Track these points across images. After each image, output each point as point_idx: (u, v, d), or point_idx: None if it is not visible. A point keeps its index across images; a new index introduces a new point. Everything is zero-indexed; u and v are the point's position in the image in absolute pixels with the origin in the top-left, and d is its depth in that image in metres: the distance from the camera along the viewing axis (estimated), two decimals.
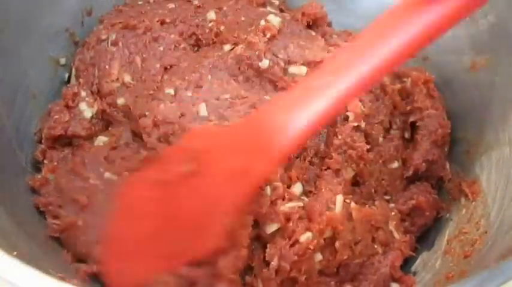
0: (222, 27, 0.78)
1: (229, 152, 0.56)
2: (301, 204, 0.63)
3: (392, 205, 0.71)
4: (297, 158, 0.68)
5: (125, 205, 0.60)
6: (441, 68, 0.79)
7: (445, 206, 0.73)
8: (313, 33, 0.79)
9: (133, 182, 0.61)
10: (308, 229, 0.61)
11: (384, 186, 0.71)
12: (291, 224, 0.62)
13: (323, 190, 0.65)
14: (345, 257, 0.62)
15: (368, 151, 0.70)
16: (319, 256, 0.61)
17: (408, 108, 0.75)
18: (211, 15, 0.81)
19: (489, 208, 0.65)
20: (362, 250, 0.64)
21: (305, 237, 0.60)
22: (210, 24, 0.79)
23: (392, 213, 0.68)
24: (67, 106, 0.73)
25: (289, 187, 0.65)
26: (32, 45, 0.74)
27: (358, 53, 0.52)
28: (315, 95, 0.52)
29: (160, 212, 0.57)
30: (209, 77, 0.71)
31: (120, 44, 0.77)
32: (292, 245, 0.60)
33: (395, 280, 0.65)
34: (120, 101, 0.72)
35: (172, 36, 0.77)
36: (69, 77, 0.80)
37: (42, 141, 0.72)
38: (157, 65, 0.75)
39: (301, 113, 0.52)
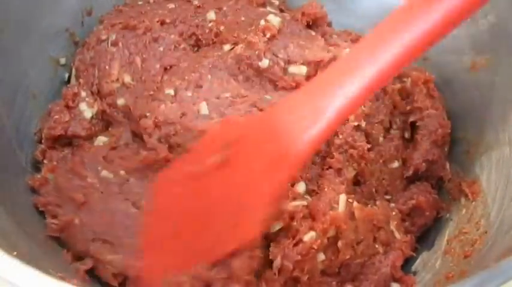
0: (221, 27, 0.78)
1: (261, 141, 0.55)
2: (305, 203, 0.63)
3: (392, 204, 0.71)
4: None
5: (158, 200, 0.60)
6: (441, 68, 0.79)
7: (445, 206, 0.73)
8: (313, 33, 0.79)
9: (166, 178, 0.61)
10: (312, 229, 0.61)
11: (384, 186, 0.72)
12: (295, 223, 0.61)
13: (326, 189, 0.65)
14: (347, 256, 0.62)
15: (368, 150, 0.70)
16: (321, 256, 0.61)
17: (408, 108, 0.75)
18: (211, 15, 0.81)
19: (489, 208, 0.65)
20: (364, 250, 0.64)
21: (309, 236, 0.60)
22: (210, 25, 0.79)
23: (393, 213, 0.68)
24: (67, 106, 0.73)
25: (292, 185, 0.65)
26: (32, 45, 0.74)
27: (369, 51, 0.52)
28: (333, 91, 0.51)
29: (193, 206, 0.57)
30: (209, 76, 0.71)
31: (120, 44, 0.77)
32: (295, 245, 0.60)
33: (395, 280, 0.65)
34: (120, 101, 0.72)
35: (172, 36, 0.77)
36: (69, 77, 0.80)
37: (42, 141, 0.72)
38: (157, 66, 0.75)
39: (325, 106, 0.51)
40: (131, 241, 0.64)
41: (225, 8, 0.82)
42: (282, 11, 0.85)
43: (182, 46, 0.77)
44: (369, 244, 0.64)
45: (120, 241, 0.64)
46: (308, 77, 0.73)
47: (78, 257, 0.66)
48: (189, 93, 0.70)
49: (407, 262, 0.69)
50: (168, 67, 0.75)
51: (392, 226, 0.67)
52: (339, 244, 0.61)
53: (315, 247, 0.60)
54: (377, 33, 0.52)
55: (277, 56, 0.73)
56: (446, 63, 0.79)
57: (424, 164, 0.72)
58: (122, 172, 0.67)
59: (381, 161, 0.72)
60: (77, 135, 0.72)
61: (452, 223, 0.71)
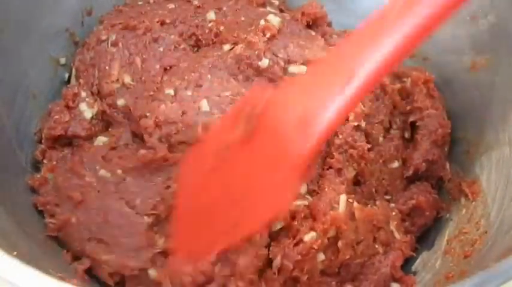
0: (221, 28, 0.78)
1: (285, 108, 0.53)
2: (306, 203, 0.63)
3: (392, 204, 0.71)
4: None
5: (187, 178, 0.60)
6: (441, 68, 0.79)
7: (445, 206, 0.73)
8: (313, 33, 0.79)
9: (193, 155, 0.60)
10: (312, 229, 0.61)
11: (384, 186, 0.72)
12: (295, 223, 0.62)
13: (326, 189, 0.65)
14: (347, 257, 0.62)
15: (369, 150, 0.70)
16: (321, 256, 0.61)
17: (408, 108, 0.75)
18: (211, 15, 0.81)
19: (489, 208, 0.65)
20: (363, 250, 0.64)
21: (309, 237, 0.61)
22: (209, 25, 0.79)
23: (393, 213, 0.68)
24: (67, 106, 0.73)
25: None
26: (32, 45, 0.74)
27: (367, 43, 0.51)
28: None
29: (222, 181, 0.56)
30: (209, 76, 0.71)
31: (120, 44, 0.76)
32: (296, 245, 0.61)
33: (395, 280, 0.65)
34: (120, 102, 0.72)
35: (172, 36, 0.77)
36: (69, 77, 0.80)
37: (42, 141, 0.72)
38: (157, 66, 0.74)
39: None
40: (126, 240, 0.64)
41: (225, 8, 0.82)
42: (281, 11, 0.85)
43: (182, 46, 0.77)
44: (369, 244, 0.64)
45: (115, 240, 0.64)
46: None
47: (77, 257, 0.66)
48: (189, 93, 0.70)
49: (407, 262, 0.69)
50: (168, 67, 0.75)
51: (392, 226, 0.67)
52: (339, 244, 0.62)
53: (315, 247, 0.60)
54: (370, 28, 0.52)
55: (277, 56, 0.72)
56: (446, 63, 0.79)
57: (424, 164, 0.72)
58: (119, 171, 0.67)
59: (380, 161, 0.72)
60: (77, 136, 0.72)
61: (452, 223, 0.71)
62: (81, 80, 0.77)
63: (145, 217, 0.65)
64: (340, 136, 0.68)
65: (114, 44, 0.77)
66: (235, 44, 0.74)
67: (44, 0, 0.75)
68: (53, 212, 0.67)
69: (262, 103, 0.55)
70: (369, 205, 0.67)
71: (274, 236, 0.62)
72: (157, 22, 0.78)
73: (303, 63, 0.73)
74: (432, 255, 0.69)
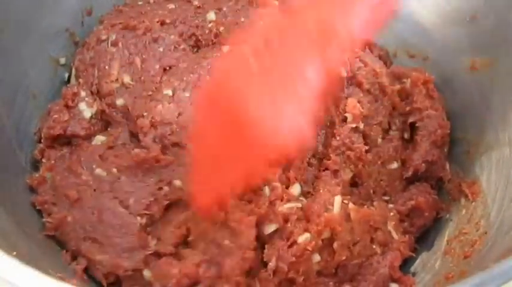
0: (221, 28, 0.78)
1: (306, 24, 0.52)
2: (299, 205, 0.63)
3: (391, 205, 0.70)
4: (296, 159, 0.68)
5: (201, 125, 0.57)
6: (441, 68, 0.79)
7: (444, 206, 0.73)
8: None
9: (204, 99, 0.57)
10: (306, 230, 0.61)
11: (382, 187, 0.72)
12: (289, 225, 0.62)
13: (321, 191, 0.65)
14: (343, 258, 0.62)
15: (366, 151, 0.70)
16: (317, 257, 0.61)
17: (408, 108, 0.75)
18: (211, 15, 0.81)
19: (489, 208, 0.65)
20: (360, 251, 0.64)
21: (303, 238, 0.61)
22: (209, 25, 0.79)
23: (391, 213, 0.68)
24: (67, 106, 0.73)
25: (287, 187, 0.65)
26: (32, 45, 0.74)
27: None
28: None
29: (235, 118, 0.52)
30: (208, 77, 0.71)
31: (120, 44, 0.77)
32: (290, 246, 0.61)
33: (394, 281, 0.65)
34: (119, 101, 0.72)
35: (172, 37, 0.77)
36: (69, 77, 0.80)
37: (42, 140, 0.72)
38: (157, 66, 0.75)
39: None
40: (119, 240, 0.64)
41: (225, 9, 0.82)
42: None
43: (182, 47, 0.77)
44: (366, 245, 0.64)
45: (109, 240, 0.64)
46: None
47: (75, 257, 0.66)
48: (187, 94, 0.70)
49: (407, 263, 0.69)
50: (168, 68, 0.75)
51: (390, 227, 0.67)
52: (335, 245, 0.62)
53: (310, 248, 0.60)
54: None
55: None
56: (446, 63, 0.79)
57: (423, 164, 0.72)
58: (114, 170, 0.68)
59: (379, 162, 0.72)
60: (76, 135, 0.72)
61: (452, 223, 0.71)
62: (80, 80, 0.77)
63: (139, 218, 0.65)
64: (338, 138, 0.69)
65: (114, 44, 0.77)
66: (235, 44, 0.74)
67: (44, 0, 0.75)
68: (50, 211, 0.67)
69: (272, 27, 0.53)
70: (366, 206, 0.67)
71: (268, 239, 0.62)
72: (157, 22, 0.79)
73: None
74: (432, 256, 0.69)
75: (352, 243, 0.63)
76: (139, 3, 0.85)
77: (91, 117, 0.73)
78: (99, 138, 0.72)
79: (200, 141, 0.57)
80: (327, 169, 0.68)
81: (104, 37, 0.78)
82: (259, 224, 0.62)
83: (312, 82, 0.51)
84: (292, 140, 0.52)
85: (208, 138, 0.56)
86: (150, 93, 0.72)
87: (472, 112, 0.74)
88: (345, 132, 0.69)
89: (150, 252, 0.63)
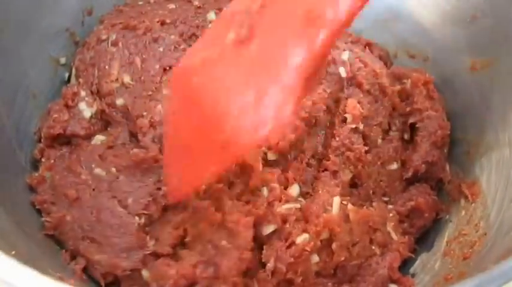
0: None
1: (286, 5, 0.49)
2: (298, 206, 0.63)
3: (390, 206, 0.70)
4: (295, 159, 0.68)
5: (176, 97, 0.54)
6: (441, 68, 0.79)
7: (444, 207, 0.73)
8: None
9: (182, 69, 0.54)
10: (305, 231, 0.61)
11: (382, 187, 0.71)
12: (287, 225, 0.62)
13: (320, 192, 0.65)
14: (342, 258, 0.62)
15: (366, 152, 0.70)
16: (315, 258, 0.61)
17: (408, 109, 0.75)
18: (212, 15, 0.81)
19: (489, 209, 0.65)
20: (359, 252, 0.64)
21: (301, 239, 0.61)
22: (210, 25, 0.79)
23: (391, 214, 0.68)
24: (66, 106, 0.73)
25: (286, 188, 0.65)
26: (32, 45, 0.74)
27: None
28: None
29: (210, 95, 0.49)
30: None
31: (120, 44, 0.77)
32: (288, 247, 0.61)
33: (393, 282, 0.65)
34: (119, 101, 0.72)
35: (172, 37, 0.77)
36: (69, 77, 0.80)
37: (42, 140, 0.73)
38: (157, 66, 0.75)
39: None
40: (117, 240, 0.64)
41: (225, 9, 0.82)
42: None
43: (182, 47, 0.77)
44: (365, 246, 0.64)
45: (107, 240, 0.64)
46: None
47: (74, 256, 0.66)
48: None
49: (407, 264, 0.69)
50: (168, 67, 0.75)
51: (389, 227, 0.67)
52: (333, 246, 0.62)
53: (308, 249, 0.60)
54: None
55: None
56: (446, 64, 0.79)
57: (423, 165, 0.72)
58: (113, 170, 0.68)
59: (379, 163, 0.72)
60: (76, 135, 0.72)
61: (451, 224, 0.71)
62: (80, 80, 0.77)
63: (137, 217, 0.65)
64: (337, 138, 0.69)
65: (114, 43, 0.77)
66: None
67: (44, 0, 0.75)
68: (50, 210, 0.67)
69: (256, 3, 0.49)
70: (365, 207, 0.67)
71: (266, 239, 0.62)
72: (158, 22, 0.79)
73: None
74: (431, 257, 0.69)
75: (351, 244, 0.63)
76: (140, 3, 0.85)
77: (91, 117, 0.73)
78: (99, 138, 0.72)
79: (173, 127, 0.55)
80: (326, 169, 0.68)
81: (104, 37, 0.78)
82: (257, 225, 0.62)
83: (295, 66, 0.47)
84: (270, 125, 0.47)
85: (181, 123, 0.53)
86: (150, 93, 0.72)
87: (472, 113, 0.74)
88: (344, 133, 0.69)
89: (148, 252, 0.63)
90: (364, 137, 0.71)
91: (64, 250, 0.66)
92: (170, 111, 0.56)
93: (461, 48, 0.76)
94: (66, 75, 0.80)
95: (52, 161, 0.71)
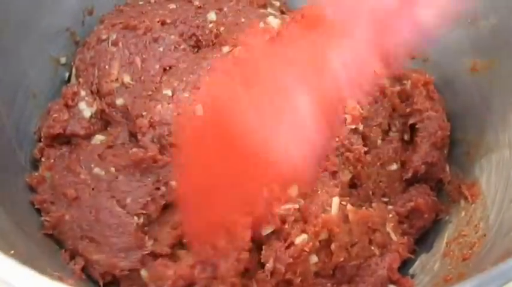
0: (221, 29, 0.78)
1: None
2: (297, 206, 0.63)
3: (390, 207, 0.70)
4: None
5: (189, 155, 0.56)
6: (441, 69, 0.79)
7: (444, 208, 0.73)
8: None
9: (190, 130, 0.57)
10: (304, 231, 0.61)
11: (382, 188, 0.71)
12: (286, 226, 0.62)
13: (319, 192, 0.65)
14: (341, 259, 0.62)
15: (366, 153, 0.70)
16: (314, 258, 0.61)
17: (408, 110, 0.75)
18: (212, 16, 0.80)
19: (488, 210, 0.65)
20: (359, 252, 0.64)
21: (300, 239, 0.61)
22: (210, 25, 0.79)
23: (390, 215, 0.68)
24: (66, 105, 0.74)
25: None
26: (32, 45, 0.74)
27: None
28: None
29: (225, 146, 0.52)
30: (207, 78, 0.71)
31: (120, 44, 0.77)
32: (287, 248, 0.61)
33: (392, 282, 0.65)
34: (119, 101, 0.72)
35: (173, 37, 0.77)
36: (70, 77, 0.80)
37: (41, 139, 0.73)
38: (157, 66, 0.75)
39: None
40: (116, 240, 0.64)
41: (225, 9, 0.82)
42: (282, 12, 0.85)
43: (182, 47, 0.77)
44: (364, 246, 0.64)
45: (106, 240, 0.64)
46: None
47: (73, 256, 0.66)
48: (186, 95, 0.70)
49: (406, 265, 0.69)
50: (168, 67, 0.75)
51: (389, 228, 0.67)
52: (332, 246, 0.61)
53: (307, 249, 0.60)
54: None
55: None
56: (446, 65, 0.79)
57: (423, 166, 0.72)
58: (112, 169, 0.68)
59: (378, 163, 0.71)
60: (76, 134, 0.72)
61: (451, 225, 0.71)
62: (80, 79, 0.77)
63: (135, 217, 0.65)
64: (337, 139, 0.68)
65: (115, 43, 0.77)
66: (234, 46, 0.74)
67: (44, 0, 0.75)
68: (49, 210, 0.68)
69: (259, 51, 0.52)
70: (364, 207, 0.66)
71: (265, 240, 0.62)
72: (158, 22, 0.79)
73: None
74: (431, 258, 0.69)
75: (350, 244, 0.63)
76: (140, 3, 0.85)
77: (91, 116, 0.73)
78: (99, 138, 0.72)
79: (190, 165, 0.56)
80: (325, 169, 0.68)
81: (104, 37, 0.78)
82: (256, 226, 0.62)
83: (305, 109, 0.49)
84: (288, 163, 0.50)
85: (199, 161, 0.55)
86: (150, 93, 0.72)
87: (472, 113, 0.74)
88: (344, 134, 0.69)
89: (146, 252, 0.63)
90: (364, 137, 0.71)
91: (63, 250, 0.66)
92: (190, 148, 0.57)
93: (461, 49, 0.76)
94: (67, 75, 0.80)
95: (52, 160, 0.71)
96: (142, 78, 0.74)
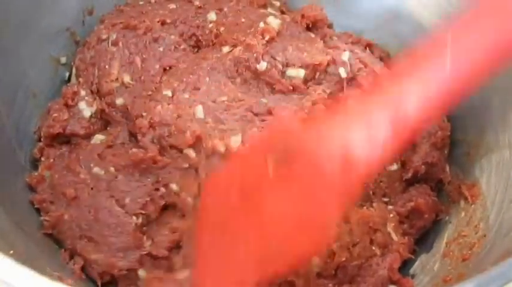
0: (222, 29, 0.78)
1: (324, 143, 0.50)
2: None
3: (390, 207, 0.70)
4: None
5: (207, 210, 0.57)
6: None
7: (444, 208, 0.73)
8: (313, 35, 0.79)
9: (212, 187, 0.58)
10: None
11: (382, 188, 0.71)
12: None
13: None
14: (343, 259, 0.62)
15: None
16: (316, 259, 0.61)
17: None
18: (212, 16, 0.80)
19: (488, 211, 0.65)
20: (360, 252, 0.64)
21: None
22: (210, 25, 0.79)
23: (391, 215, 0.68)
24: (66, 105, 0.74)
25: None
26: (33, 45, 0.74)
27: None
28: None
29: (247, 217, 0.53)
30: (207, 79, 0.71)
31: (121, 44, 0.76)
32: None
33: (393, 283, 0.65)
34: (119, 101, 0.72)
35: (173, 37, 0.77)
36: (70, 76, 0.80)
37: (41, 139, 0.73)
38: (157, 66, 0.75)
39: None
40: (114, 240, 0.64)
41: (225, 9, 0.82)
42: (283, 12, 0.85)
43: (182, 47, 0.77)
44: (366, 246, 0.64)
45: (104, 239, 0.64)
46: (305, 81, 0.72)
47: (72, 255, 0.66)
48: (186, 96, 0.70)
49: (406, 265, 0.69)
50: (168, 68, 0.75)
51: (390, 228, 0.67)
52: (334, 246, 0.61)
53: None
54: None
55: (275, 59, 0.72)
56: None
57: (423, 166, 0.72)
58: (112, 169, 0.68)
59: None
60: (75, 134, 0.72)
61: (451, 225, 0.70)
62: (80, 79, 0.77)
63: (134, 217, 0.65)
64: None
65: (115, 43, 0.77)
66: (234, 46, 0.74)
67: (44, 0, 0.75)
68: (48, 209, 0.68)
69: (294, 137, 0.52)
70: (365, 207, 0.66)
71: None
72: (158, 22, 0.78)
73: (301, 67, 0.72)
74: (431, 258, 0.69)
75: (351, 244, 0.63)
76: (141, 3, 0.85)
77: (91, 116, 0.73)
78: (98, 138, 0.72)
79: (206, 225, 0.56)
80: None
81: (104, 36, 0.77)
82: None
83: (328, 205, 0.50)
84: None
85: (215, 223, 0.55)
86: (150, 93, 0.72)
87: (472, 114, 0.74)
88: None
89: (144, 252, 0.63)
90: None
91: (63, 249, 0.66)
92: (205, 216, 0.57)
93: None
94: (67, 74, 0.80)
95: (51, 160, 0.71)
96: (142, 78, 0.74)
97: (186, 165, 0.66)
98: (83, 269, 0.65)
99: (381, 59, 0.82)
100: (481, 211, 0.66)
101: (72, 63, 0.80)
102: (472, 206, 0.68)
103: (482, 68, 0.51)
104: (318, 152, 0.50)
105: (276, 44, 0.74)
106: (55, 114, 0.72)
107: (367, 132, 0.49)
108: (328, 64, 0.73)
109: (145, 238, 0.64)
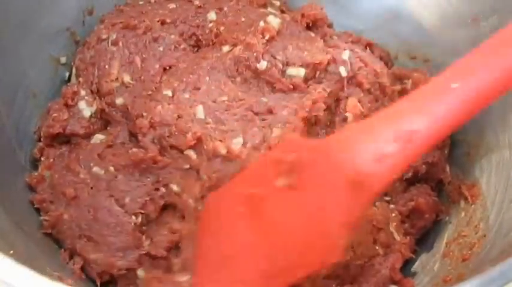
0: (222, 28, 0.78)
1: (327, 169, 0.51)
2: None
3: (392, 206, 0.70)
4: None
5: (212, 220, 0.58)
6: (442, 69, 0.78)
7: (444, 208, 0.73)
8: (313, 34, 0.79)
9: (220, 197, 0.58)
10: None
11: None
12: None
13: None
14: (347, 258, 0.62)
15: None
16: None
17: None
18: (212, 15, 0.80)
19: (488, 211, 0.65)
20: (363, 251, 0.64)
21: None
22: (210, 25, 0.79)
23: (393, 214, 0.68)
24: (66, 105, 0.74)
25: None
26: (32, 45, 0.74)
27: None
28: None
29: (253, 227, 0.54)
30: (207, 78, 0.71)
31: (120, 43, 0.76)
32: None
33: (394, 283, 0.65)
34: (119, 100, 0.72)
35: (173, 36, 0.77)
36: (70, 76, 0.80)
37: (41, 139, 0.73)
38: (157, 66, 0.75)
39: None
40: (113, 239, 0.64)
41: (225, 9, 0.81)
42: (283, 11, 0.85)
43: (182, 46, 0.77)
44: (369, 245, 0.64)
45: (103, 239, 0.64)
46: (306, 80, 0.72)
47: (72, 255, 0.66)
48: (187, 95, 0.70)
49: (406, 264, 0.69)
50: (168, 67, 0.75)
51: (392, 228, 0.67)
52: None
53: None
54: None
55: (275, 58, 0.72)
56: (447, 65, 0.78)
57: (424, 166, 0.72)
58: (112, 169, 0.68)
59: None
60: (75, 134, 0.72)
61: (451, 225, 0.71)
62: (80, 79, 0.77)
63: (133, 217, 0.65)
64: None
65: (115, 43, 0.77)
66: (234, 45, 0.74)
67: (44, 0, 0.75)
68: (48, 209, 0.68)
69: (305, 156, 0.52)
70: None
71: None
72: (158, 22, 0.78)
73: (301, 66, 0.72)
74: (431, 258, 0.69)
75: (355, 243, 0.63)
76: (140, 2, 0.85)
77: (90, 116, 0.73)
78: (98, 137, 0.72)
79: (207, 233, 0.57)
80: None
81: (104, 36, 0.77)
82: None
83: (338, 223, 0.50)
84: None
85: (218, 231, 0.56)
86: (150, 93, 0.72)
87: None
88: None
89: (143, 252, 0.63)
90: None
91: (63, 249, 0.66)
92: (208, 227, 0.58)
93: (462, 49, 0.75)
94: (67, 74, 0.80)
95: (51, 160, 0.71)
96: (142, 77, 0.74)
97: (187, 166, 0.66)
98: (82, 269, 0.65)
99: (381, 58, 0.82)
100: (481, 211, 0.66)
101: (72, 63, 0.80)
102: (472, 206, 0.68)
103: (489, 99, 0.53)
104: (327, 168, 0.50)
105: (276, 43, 0.74)
106: (55, 114, 0.72)
107: (376, 151, 0.49)
108: (328, 63, 0.73)
109: (144, 237, 0.65)
